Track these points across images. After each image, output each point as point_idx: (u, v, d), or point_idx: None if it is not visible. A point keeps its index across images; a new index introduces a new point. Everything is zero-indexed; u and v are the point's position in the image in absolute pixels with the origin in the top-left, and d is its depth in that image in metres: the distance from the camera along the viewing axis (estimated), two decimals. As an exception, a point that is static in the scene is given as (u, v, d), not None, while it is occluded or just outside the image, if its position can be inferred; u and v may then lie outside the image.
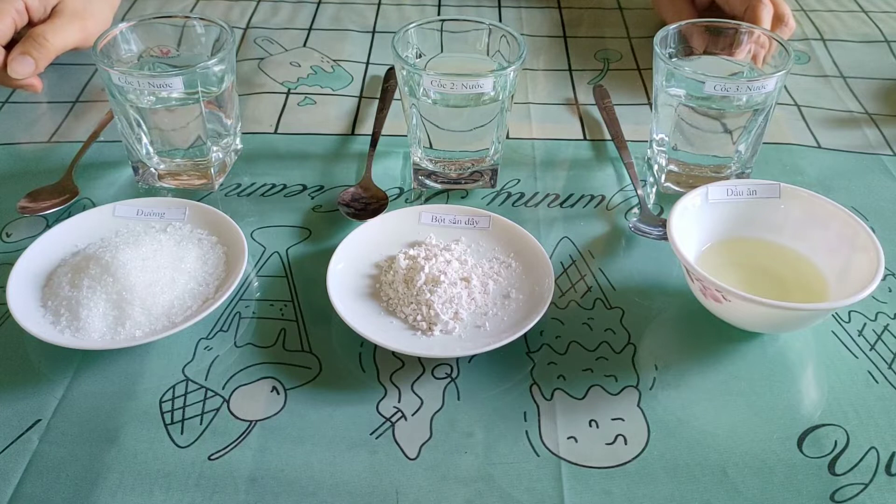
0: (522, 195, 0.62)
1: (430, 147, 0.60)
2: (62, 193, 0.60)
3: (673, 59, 0.60)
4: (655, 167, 0.63)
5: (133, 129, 0.59)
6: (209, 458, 0.43)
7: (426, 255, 0.53)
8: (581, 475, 0.43)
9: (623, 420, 0.45)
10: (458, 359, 0.49)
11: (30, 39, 0.66)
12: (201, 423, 0.45)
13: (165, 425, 0.45)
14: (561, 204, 0.62)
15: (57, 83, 0.75)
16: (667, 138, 0.60)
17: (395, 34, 0.58)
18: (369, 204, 0.59)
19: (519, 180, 0.64)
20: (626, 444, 0.44)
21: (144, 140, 0.59)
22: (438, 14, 0.89)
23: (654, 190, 0.63)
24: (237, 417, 0.45)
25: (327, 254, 0.53)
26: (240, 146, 0.65)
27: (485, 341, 0.48)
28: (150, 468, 0.42)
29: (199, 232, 0.55)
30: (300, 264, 0.56)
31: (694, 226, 0.52)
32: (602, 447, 0.44)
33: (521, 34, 0.61)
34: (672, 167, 0.61)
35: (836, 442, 0.44)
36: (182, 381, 0.47)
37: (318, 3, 0.90)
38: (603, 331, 0.51)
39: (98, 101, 0.72)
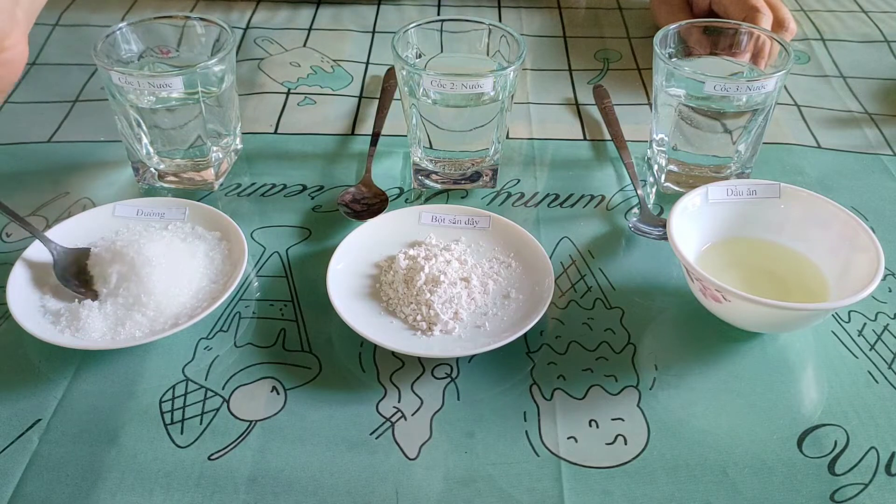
0: (522, 195, 0.62)
1: (430, 147, 0.60)
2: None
3: (673, 59, 0.60)
4: (655, 167, 0.63)
5: (133, 129, 0.59)
6: (209, 458, 0.43)
7: (426, 255, 0.53)
8: (581, 475, 0.43)
9: (623, 420, 0.45)
10: (457, 359, 0.49)
11: None
12: (201, 423, 0.45)
13: (165, 425, 0.45)
14: (561, 204, 0.62)
15: (57, 83, 0.75)
16: (667, 138, 0.60)
17: (395, 34, 0.58)
18: (370, 204, 0.59)
19: (519, 180, 0.64)
20: (626, 444, 0.44)
21: (144, 140, 0.59)
22: (438, 14, 0.89)
23: (654, 190, 0.63)
24: (237, 417, 0.45)
25: (327, 254, 0.53)
26: (240, 146, 0.65)
27: (485, 341, 0.48)
28: (150, 468, 0.42)
29: (199, 232, 0.55)
30: (300, 264, 0.56)
31: (694, 226, 0.52)
32: (602, 447, 0.44)
33: (521, 34, 0.61)
34: (672, 167, 0.61)
35: (836, 442, 0.44)
36: (182, 381, 0.47)
37: (318, 4, 0.90)
38: (603, 331, 0.51)
39: (98, 101, 0.72)
